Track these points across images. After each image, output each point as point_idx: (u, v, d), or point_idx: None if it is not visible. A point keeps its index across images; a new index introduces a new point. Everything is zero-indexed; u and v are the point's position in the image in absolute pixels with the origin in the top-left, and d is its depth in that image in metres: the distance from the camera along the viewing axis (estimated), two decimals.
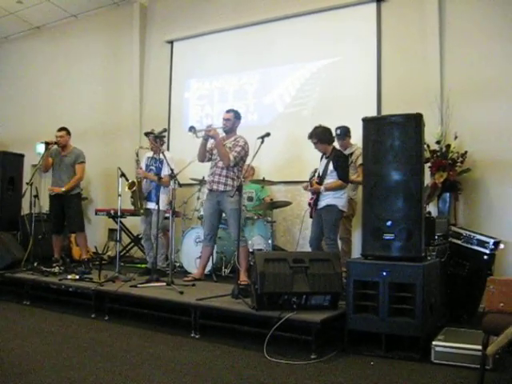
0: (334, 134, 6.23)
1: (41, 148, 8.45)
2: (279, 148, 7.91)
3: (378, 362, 3.99)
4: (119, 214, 6.83)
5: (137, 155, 6.85)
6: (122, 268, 6.85)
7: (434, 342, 3.99)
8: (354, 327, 4.28)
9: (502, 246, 5.40)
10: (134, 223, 8.52)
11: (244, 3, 8.86)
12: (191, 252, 7.18)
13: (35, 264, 6.69)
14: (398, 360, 4.02)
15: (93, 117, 10.34)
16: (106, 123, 10.25)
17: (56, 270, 6.49)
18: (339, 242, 6.25)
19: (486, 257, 5.20)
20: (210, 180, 6.32)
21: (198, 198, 7.89)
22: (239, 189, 5.39)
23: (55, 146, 7.25)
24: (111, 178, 7.81)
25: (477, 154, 6.68)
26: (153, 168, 6.94)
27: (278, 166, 8.10)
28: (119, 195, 6.58)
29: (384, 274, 4.18)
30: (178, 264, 7.53)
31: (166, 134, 6.86)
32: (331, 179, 5.86)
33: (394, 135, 4.40)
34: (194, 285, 5.88)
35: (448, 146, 6.60)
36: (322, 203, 5.89)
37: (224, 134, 6.35)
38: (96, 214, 8.96)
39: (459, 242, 5.35)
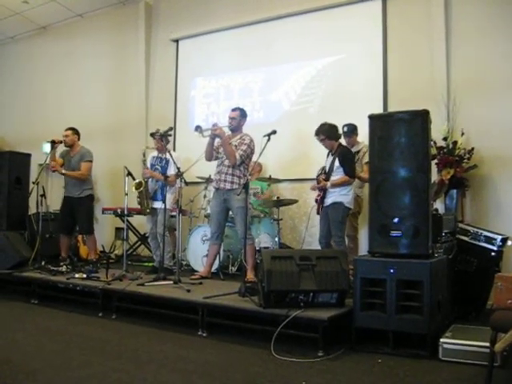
0: (340, 132, 6.23)
1: (47, 147, 8.47)
2: (285, 146, 7.90)
3: (385, 359, 3.98)
4: (126, 212, 6.84)
5: (144, 155, 6.87)
6: (129, 267, 6.85)
7: (441, 340, 3.97)
8: (362, 324, 4.27)
9: (509, 242, 5.36)
10: (141, 222, 8.53)
11: (249, 1, 8.85)
12: (198, 250, 7.18)
13: (43, 263, 6.70)
14: (405, 357, 4.01)
15: (99, 116, 10.36)
16: (113, 122, 10.27)
17: (63, 269, 6.51)
18: (346, 239, 6.24)
19: (493, 253, 5.17)
20: (216, 178, 6.33)
21: (205, 197, 7.89)
22: (246, 187, 5.40)
23: (63, 147, 7.27)
24: (118, 177, 7.82)
25: (484, 151, 6.65)
26: (158, 167, 6.95)
27: (284, 164, 8.10)
28: (126, 194, 6.59)
29: (391, 271, 4.16)
30: (184, 262, 7.54)
31: (171, 132, 6.86)
32: (338, 175, 5.86)
33: (401, 132, 4.38)
34: (201, 283, 5.88)
35: (455, 143, 6.58)
36: (329, 200, 5.90)
37: (230, 133, 6.35)
38: (103, 213, 8.98)
39: (466, 238, 5.32)
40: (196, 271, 6.79)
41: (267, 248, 6.93)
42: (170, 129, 6.57)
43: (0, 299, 6.31)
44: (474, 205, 6.79)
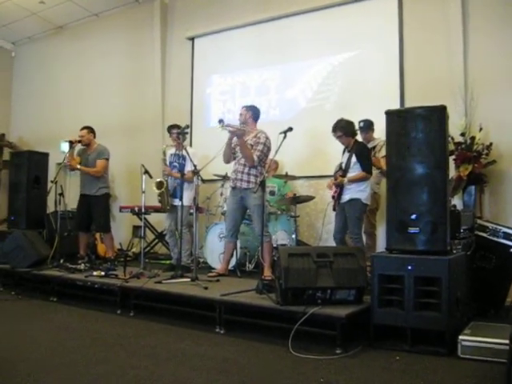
0: (356, 128, 6.21)
1: (65, 146, 8.53)
2: (302, 142, 7.90)
3: (403, 356, 3.96)
4: (143, 210, 6.87)
5: (164, 154, 6.91)
6: (147, 264, 6.89)
7: (460, 337, 3.94)
8: (379, 321, 4.25)
9: None
10: (158, 219, 8.58)
11: None
12: (215, 248, 7.20)
13: (61, 261, 6.76)
14: (423, 355, 3.98)
15: (116, 114, 10.42)
16: (129, 120, 10.33)
17: (82, 266, 6.57)
18: (363, 236, 6.21)
19: None
20: (233, 177, 6.32)
21: (222, 194, 7.91)
22: (262, 184, 5.39)
23: (79, 145, 7.33)
24: (135, 174, 7.86)
25: (502, 146, 6.60)
26: (176, 165, 6.97)
27: (301, 161, 8.09)
28: (143, 192, 6.63)
29: (409, 267, 4.14)
30: (202, 260, 7.57)
31: (188, 130, 6.87)
32: (354, 172, 5.85)
33: (418, 128, 4.35)
34: (218, 280, 5.90)
35: (473, 138, 6.53)
36: (346, 197, 5.88)
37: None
38: (120, 211, 9.05)
39: (485, 235, 5.27)
40: (213, 268, 6.81)
41: (284, 245, 6.94)
42: (187, 126, 6.58)
43: (19, 297, 6.38)
44: (493, 201, 6.73)
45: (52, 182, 7.07)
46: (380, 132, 6.18)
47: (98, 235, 8.54)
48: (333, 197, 6.09)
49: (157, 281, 5.65)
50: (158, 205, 6.96)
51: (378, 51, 7.69)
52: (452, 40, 7.09)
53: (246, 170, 6.18)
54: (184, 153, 6.58)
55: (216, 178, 7.98)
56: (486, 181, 6.57)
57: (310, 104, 8.34)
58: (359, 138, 6.35)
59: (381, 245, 6.31)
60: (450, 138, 5.79)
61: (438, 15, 7.28)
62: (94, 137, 7.47)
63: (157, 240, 9.15)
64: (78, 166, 7.17)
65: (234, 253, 6.65)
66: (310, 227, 8.14)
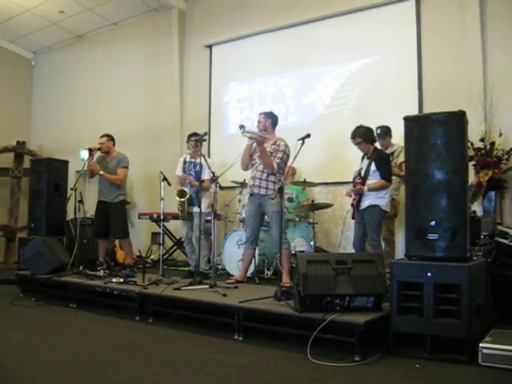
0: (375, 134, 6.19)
1: (84, 154, 8.61)
2: (320, 149, 7.89)
3: (423, 364, 3.92)
4: (162, 217, 6.90)
5: (184, 163, 6.95)
6: (166, 271, 6.92)
7: (481, 344, 3.89)
8: (398, 329, 4.22)
9: None
10: (177, 226, 8.60)
11: (281, 6, 8.87)
12: (233, 255, 7.20)
13: (81, 268, 6.81)
14: (443, 362, 3.95)
15: (134, 122, 10.50)
16: (148, 128, 10.40)
17: (101, 273, 6.62)
18: (382, 243, 6.18)
19: None
20: (250, 184, 6.33)
21: (240, 201, 7.92)
22: (280, 191, 5.38)
23: (99, 153, 7.38)
24: (153, 182, 7.89)
25: None
26: (192, 173, 6.99)
27: (319, 167, 8.07)
28: (162, 199, 6.65)
29: (428, 274, 4.11)
30: (220, 266, 7.57)
31: (206, 137, 6.89)
32: (374, 179, 5.82)
33: (437, 134, 4.32)
34: (236, 287, 5.90)
35: (492, 144, 6.48)
36: (365, 204, 5.85)
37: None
38: (139, 217, 9.10)
39: (506, 241, 5.23)
40: (231, 275, 6.81)
41: (303, 252, 6.92)
42: (205, 134, 6.60)
43: (39, 303, 6.43)
44: None
45: (72, 189, 7.11)
46: (399, 138, 6.15)
47: (117, 242, 8.59)
48: (352, 204, 6.06)
49: (175, 287, 5.67)
50: (177, 212, 6.98)
51: (395, 57, 7.67)
52: (470, 45, 7.05)
53: (265, 176, 6.18)
54: (202, 161, 6.61)
55: (234, 184, 7.99)
56: (506, 186, 6.51)
57: (327, 110, 8.33)
58: (377, 144, 6.32)
59: (400, 251, 6.28)
60: (469, 144, 5.74)
61: (455, 20, 7.24)
62: (114, 145, 7.52)
63: (175, 247, 9.18)
64: (101, 172, 7.21)
65: (253, 260, 6.64)
66: (328, 234, 8.11)
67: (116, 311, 5.84)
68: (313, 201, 7.30)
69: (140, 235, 9.87)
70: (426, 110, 7.01)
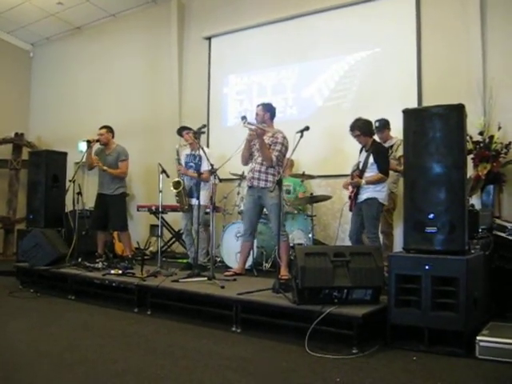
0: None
1: (83, 146, 8.61)
2: (319, 142, 7.88)
3: (420, 356, 3.94)
4: (160, 209, 6.90)
5: (177, 154, 6.91)
6: (164, 263, 6.92)
7: (478, 337, 3.91)
8: (396, 321, 4.23)
9: None
10: (175, 219, 8.61)
11: None
12: (232, 247, 7.20)
13: (79, 259, 6.82)
14: (441, 355, 3.96)
15: (133, 114, 10.47)
16: (146, 120, 10.38)
17: (99, 265, 6.63)
18: (380, 236, 6.18)
19: None
20: (249, 176, 6.32)
21: (238, 193, 7.91)
22: (279, 183, 5.38)
23: (98, 145, 7.36)
24: (152, 174, 7.89)
25: None
26: (192, 165, 6.97)
27: (318, 160, 8.07)
28: (160, 191, 6.65)
29: (426, 267, 4.12)
30: (218, 259, 7.58)
31: (205, 129, 6.87)
32: (372, 172, 5.81)
33: (436, 127, 4.32)
34: (234, 279, 5.92)
35: (491, 137, 6.48)
36: (363, 196, 5.85)
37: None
38: (138, 210, 9.11)
39: (504, 235, 5.24)
40: (230, 268, 6.82)
41: (301, 244, 6.93)
42: (204, 126, 6.59)
43: (38, 295, 6.44)
44: None
45: (70, 181, 7.11)
46: (398, 131, 6.14)
47: (115, 234, 8.59)
48: (349, 197, 6.05)
49: (174, 279, 5.69)
50: (176, 204, 6.98)
51: (395, 50, 7.65)
52: (470, 38, 7.03)
53: (264, 169, 6.18)
54: (200, 153, 6.60)
55: (233, 177, 7.99)
56: (504, 180, 6.51)
57: (326, 103, 8.32)
58: (376, 137, 6.31)
59: (398, 244, 6.28)
60: (468, 137, 5.74)
61: (455, 14, 7.22)
62: (113, 136, 7.49)
63: (174, 239, 9.19)
64: (105, 168, 7.21)
65: (251, 252, 6.65)
66: (326, 227, 8.12)
67: (114, 303, 5.86)
68: (311, 193, 7.30)
69: (138, 227, 9.87)
70: (426, 103, 7.00)
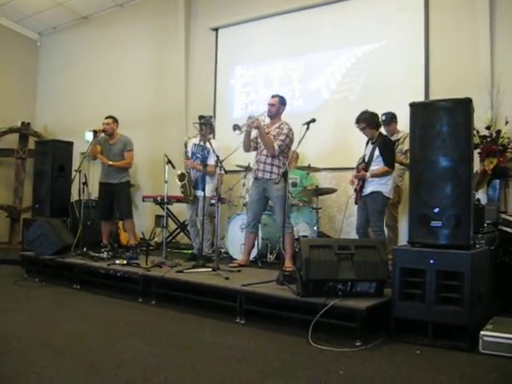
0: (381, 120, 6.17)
1: (89, 136, 8.62)
2: (325, 134, 7.86)
3: (424, 350, 3.94)
4: (166, 200, 6.90)
5: (185, 146, 6.91)
6: (169, 254, 6.92)
7: (482, 332, 3.91)
8: (400, 315, 4.23)
9: None
10: (181, 209, 8.62)
11: None
12: (236, 238, 7.22)
13: (84, 249, 6.85)
14: (444, 349, 3.96)
15: (139, 105, 10.48)
16: (153, 111, 10.38)
17: (104, 255, 6.65)
18: (385, 229, 6.18)
19: None
20: (255, 168, 6.33)
21: (244, 185, 7.92)
22: (285, 175, 5.38)
23: (103, 135, 7.37)
24: (158, 165, 7.89)
25: None
26: (199, 155, 6.96)
27: (324, 153, 8.05)
28: (165, 182, 6.65)
29: (431, 261, 4.11)
30: (223, 250, 7.60)
31: (212, 121, 6.85)
32: (377, 165, 5.80)
33: (443, 121, 4.30)
34: (239, 271, 5.92)
35: (498, 132, 6.44)
36: (368, 190, 5.84)
37: (268, 120, 6.33)
38: (143, 200, 9.13)
39: (509, 230, 5.22)
40: (234, 259, 6.84)
41: (306, 237, 6.93)
42: (211, 117, 6.60)
43: (43, 284, 6.47)
44: None
45: (76, 170, 7.12)
46: (405, 125, 6.12)
47: (120, 224, 8.62)
48: (355, 190, 6.05)
49: (178, 270, 5.70)
50: (181, 195, 6.99)
51: (403, 42, 7.61)
52: (478, 32, 6.99)
53: (269, 160, 6.18)
54: (207, 145, 6.60)
55: (238, 168, 7.99)
56: (511, 175, 6.48)
57: (333, 95, 8.29)
58: (383, 130, 6.29)
59: (403, 238, 6.28)
60: (475, 132, 5.71)
61: (464, 7, 7.17)
62: (117, 127, 7.51)
63: (179, 230, 9.21)
64: (110, 163, 7.25)
65: (256, 244, 6.66)
66: (331, 219, 8.12)
67: (119, 293, 5.88)
68: (317, 186, 7.29)
69: (144, 218, 9.90)
70: (433, 97, 6.97)
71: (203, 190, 6.34)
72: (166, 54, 10.37)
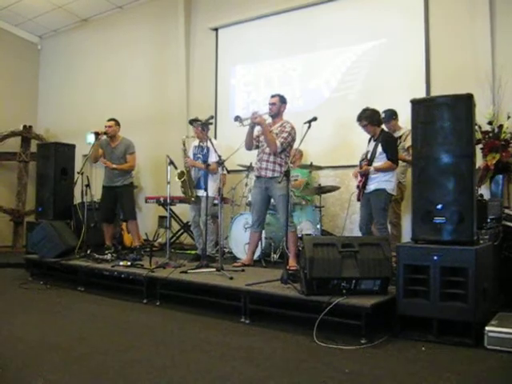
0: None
1: (91, 138, 8.62)
2: (326, 132, 7.86)
3: (429, 347, 3.94)
4: (169, 201, 6.91)
5: (183, 144, 6.90)
6: (173, 254, 6.94)
7: (487, 328, 3.90)
8: (405, 312, 4.23)
9: None
10: (184, 210, 8.63)
11: None
12: (240, 238, 7.21)
13: (88, 251, 6.85)
14: (449, 345, 3.96)
15: (140, 106, 10.48)
16: (154, 112, 10.38)
17: (108, 257, 6.65)
18: (388, 226, 6.17)
19: None
20: (257, 167, 6.33)
21: (246, 185, 7.92)
22: (287, 174, 5.38)
23: (104, 137, 7.38)
24: (160, 165, 7.91)
25: None
26: (200, 156, 6.96)
27: (326, 151, 8.05)
28: (168, 183, 6.66)
29: (435, 258, 4.11)
30: (227, 250, 7.59)
31: (212, 121, 6.86)
32: (380, 162, 5.79)
33: (444, 117, 4.30)
34: (243, 270, 5.92)
35: (500, 127, 6.42)
36: (371, 187, 5.84)
37: (270, 119, 6.34)
38: (146, 201, 9.12)
39: None
40: (238, 259, 6.84)
41: (309, 235, 6.92)
42: (211, 117, 6.59)
43: (48, 287, 6.48)
44: None
45: (78, 173, 7.14)
46: (406, 121, 6.11)
47: (124, 225, 8.63)
48: (357, 186, 6.04)
49: (182, 271, 5.71)
50: (184, 195, 6.99)
51: (403, 40, 7.59)
52: (479, 26, 6.96)
53: (271, 158, 6.18)
54: (208, 144, 6.60)
55: (241, 168, 7.99)
56: None
57: (334, 94, 8.28)
58: (385, 128, 6.29)
59: (406, 235, 6.27)
60: (477, 127, 5.70)
61: (464, 2, 7.15)
62: (119, 130, 7.51)
63: (182, 230, 9.21)
64: (114, 166, 7.26)
65: (259, 243, 6.66)
66: (334, 217, 8.11)
67: (123, 294, 5.89)
68: (319, 184, 7.29)
69: (147, 219, 9.91)
70: (434, 93, 6.96)
71: (205, 189, 6.34)
72: (167, 55, 10.37)
